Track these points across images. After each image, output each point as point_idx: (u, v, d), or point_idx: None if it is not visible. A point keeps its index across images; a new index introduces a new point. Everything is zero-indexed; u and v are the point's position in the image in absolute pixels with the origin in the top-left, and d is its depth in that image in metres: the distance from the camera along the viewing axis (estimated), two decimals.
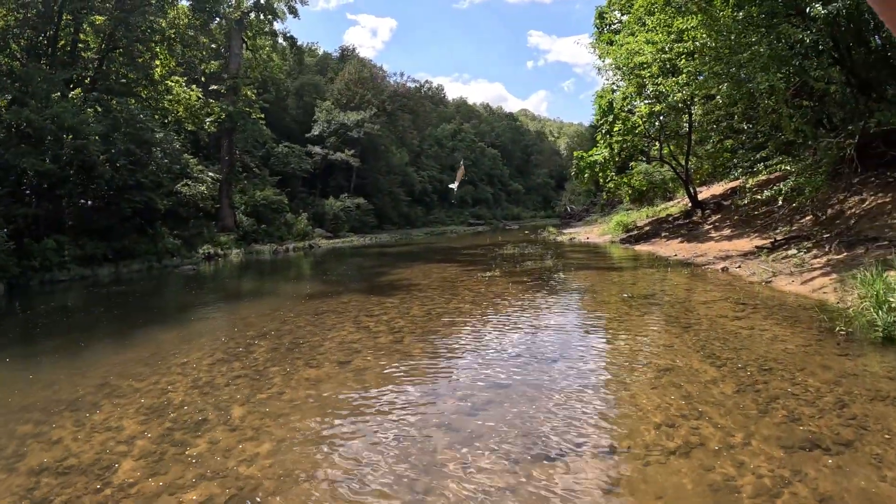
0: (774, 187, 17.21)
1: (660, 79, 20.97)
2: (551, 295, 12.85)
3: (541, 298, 12.29)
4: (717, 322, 8.89)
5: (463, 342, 8.48)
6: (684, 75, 19.02)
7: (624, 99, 25.16)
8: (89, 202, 23.77)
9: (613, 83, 28.16)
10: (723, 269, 14.89)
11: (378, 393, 6.24)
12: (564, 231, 39.10)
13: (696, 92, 19.51)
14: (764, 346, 7.39)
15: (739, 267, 14.65)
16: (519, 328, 9.20)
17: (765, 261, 14.40)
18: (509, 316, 10.31)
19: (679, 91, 19.64)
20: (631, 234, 27.68)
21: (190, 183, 31.16)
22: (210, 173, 33.80)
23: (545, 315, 10.33)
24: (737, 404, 5.42)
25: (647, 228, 27.31)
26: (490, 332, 9.01)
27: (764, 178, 21.37)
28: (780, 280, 12.19)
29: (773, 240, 16.03)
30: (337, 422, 5.46)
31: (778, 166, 18.25)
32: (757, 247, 16.18)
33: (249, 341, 8.99)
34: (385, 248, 34.48)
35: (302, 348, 8.35)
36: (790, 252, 14.16)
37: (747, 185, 21.35)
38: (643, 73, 21.87)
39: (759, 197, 18.77)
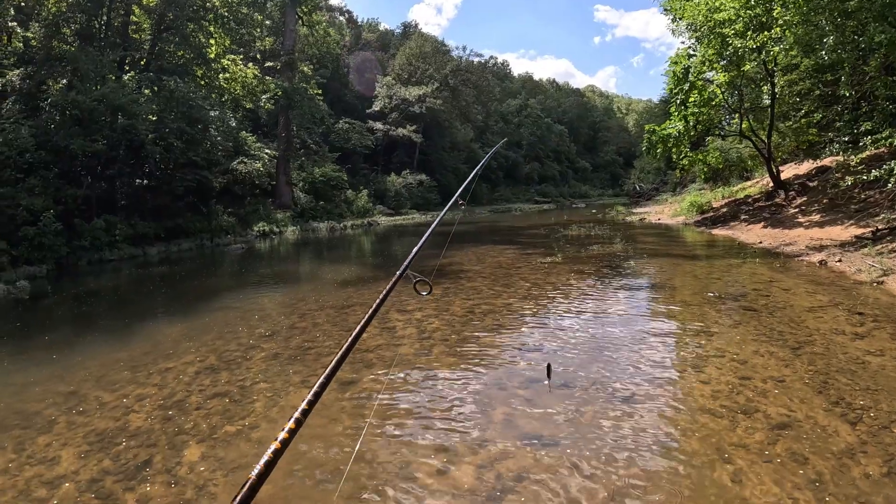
0: (886, 165, 14.69)
1: (749, 33, 18.36)
2: (620, 290, 10.98)
3: (608, 295, 10.43)
4: (834, 342, 6.85)
5: (504, 359, 6.80)
6: (777, 29, 16.49)
7: (702, 63, 22.52)
8: (145, 181, 23.50)
9: (689, 47, 25.41)
10: (820, 263, 12.61)
11: (373, 442, 4.69)
12: (634, 211, 36.73)
13: (793, 47, 16.95)
14: None
15: (840, 261, 12.31)
16: (578, 339, 7.42)
17: (869, 254, 12.12)
18: (567, 319, 8.58)
19: (774, 46, 17.07)
20: (706, 216, 25.35)
21: (246, 160, 30.65)
22: (267, 150, 33.26)
23: (612, 321, 8.46)
24: (890, 502, 3.61)
25: (725, 210, 24.88)
26: (541, 346, 7.24)
27: (867, 154, 18.68)
28: (894, 280, 10.01)
29: (874, 229, 13.64)
30: (300, 490, 4.03)
31: (888, 141, 15.64)
32: (856, 237, 13.85)
33: (253, 342, 7.75)
34: (445, 225, 32.90)
35: (307, 356, 6.99)
36: None
37: (851, 163, 18.67)
38: (725, 30, 19.29)
39: (864, 177, 16.23)
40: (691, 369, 6.25)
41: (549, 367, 5.74)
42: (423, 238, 2.81)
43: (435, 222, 3.20)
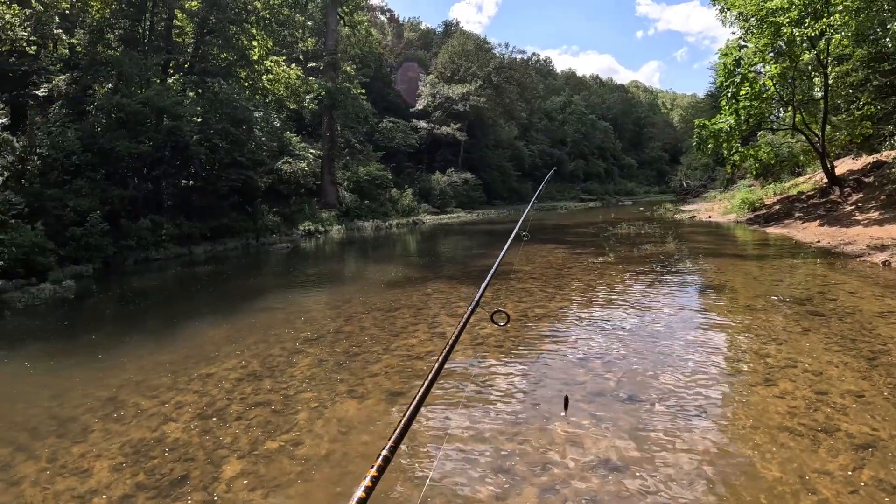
0: None
1: (807, 20, 17.40)
2: (680, 292, 10.37)
3: (667, 298, 9.83)
4: None
5: (563, 369, 6.31)
6: (837, 16, 15.55)
7: (755, 54, 21.48)
8: (191, 182, 23.73)
9: (740, 38, 24.34)
10: (884, 264, 11.82)
11: (421, 461, 4.32)
12: (682, 208, 35.54)
13: (847, 37, 16.05)
14: None
15: None
16: (640, 347, 6.90)
17: None
18: (627, 323, 8.07)
19: (836, 33, 16.14)
20: (758, 213, 24.24)
21: (291, 160, 30.78)
22: (312, 150, 33.35)
23: (674, 326, 7.91)
24: None
25: (777, 208, 23.73)
26: (599, 354, 6.73)
27: None
28: None
29: None
30: None
31: None
32: None
33: (298, 347, 7.46)
34: (492, 224, 32.63)
35: (353, 363, 6.65)
36: None
37: None
38: (779, 18, 18.33)
39: None
40: (764, 382, 5.70)
41: (566, 399, 5.06)
42: (490, 273, 2.73)
43: (497, 262, 3.09)
